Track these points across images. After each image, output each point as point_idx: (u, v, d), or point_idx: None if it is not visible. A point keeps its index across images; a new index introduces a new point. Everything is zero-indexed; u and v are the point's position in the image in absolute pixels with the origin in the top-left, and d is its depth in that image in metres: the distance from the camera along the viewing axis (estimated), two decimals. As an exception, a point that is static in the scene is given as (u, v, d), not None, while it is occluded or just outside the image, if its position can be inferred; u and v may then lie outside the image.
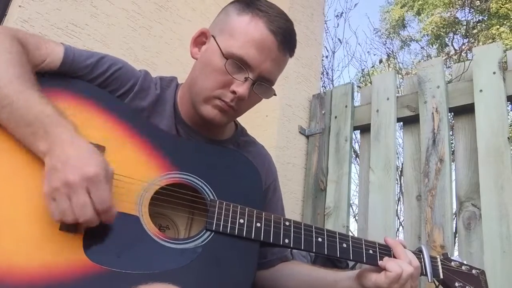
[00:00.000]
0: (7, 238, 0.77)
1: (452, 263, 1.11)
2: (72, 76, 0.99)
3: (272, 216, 0.99)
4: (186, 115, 1.12)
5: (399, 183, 3.39)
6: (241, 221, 0.94)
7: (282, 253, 1.21)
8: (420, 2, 10.09)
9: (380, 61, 5.72)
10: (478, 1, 7.80)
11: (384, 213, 1.87)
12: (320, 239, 1.00)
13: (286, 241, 0.97)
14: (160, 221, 0.99)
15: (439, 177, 1.78)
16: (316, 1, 2.64)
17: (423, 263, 1.07)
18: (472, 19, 7.94)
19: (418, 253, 1.09)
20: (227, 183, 1.01)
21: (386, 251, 1.05)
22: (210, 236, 0.91)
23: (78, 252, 0.79)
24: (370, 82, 2.95)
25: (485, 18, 8.28)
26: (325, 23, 3.16)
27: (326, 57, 4.05)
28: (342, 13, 4.51)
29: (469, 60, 1.96)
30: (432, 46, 9.51)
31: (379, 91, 2.12)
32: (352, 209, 3.34)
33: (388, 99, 2.07)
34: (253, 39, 1.00)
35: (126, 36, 1.74)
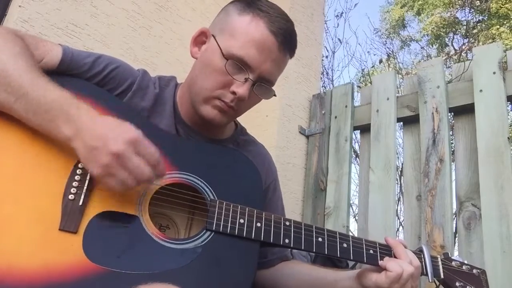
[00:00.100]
0: (7, 238, 0.77)
1: (453, 263, 1.11)
2: (70, 75, 0.99)
3: (272, 216, 0.99)
4: (186, 114, 1.12)
5: (399, 183, 3.39)
6: (241, 221, 0.94)
7: (282, 253, 1.21)
8: (420, 2, 10.09)
9: (380, 61, 5.72)
10: (478, 1, 7.80)
11: (384, 213, 1.87)
12: (320, 239, 1.00)
13: (287, 241, 0.97)
14: (160, 221, 0.99)
15: (439, 177, 1.78)
16: (316, 1, 2.64)
17: (423, 262, 1.06)
18: (472, 19, 7.95)
19: (419, 253, 1.08)
20: (227, 183, 1.00)
21: (387, 251, 1.05)
22: (210, 236, 0.91)
23: (78, 252, 0.79)
24: (370, 82, 2.95)
25: (485, 18, 8.28)
26: (325, 23, 3.16)
27: (326, 57, 4.05)
28: (342, 13, 4.52)
29: (469, 60, 1.96)
30: (432, 46, 9.52)
31: (379, 91, 2.12)
32: (352, 209, 3.34)
33: (388, 99, 2.07)
34: (254, 40, 0.99)
35: (126, 36, 1.74)
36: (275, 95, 1.10)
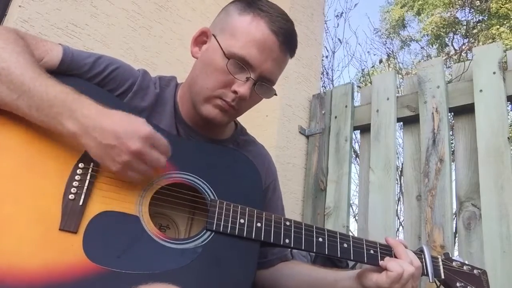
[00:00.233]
0: (8, 238, 0.77)
1: (454, 263, 1.11)
2: (70, 75, 0.99)
3: (273, 216, 0.99)
4: (186, 114, 1.12)
5: (399, 183, 3.39)
6: (242, 221, 0.94)
7: (282, 253, 1.21)
8: (420, 2, 10.10)
9: (380, 61, 5.72)
10: (478, 1, 7.80)
11: (384, 213, 1.87)
12: (321, 239, 1.00)
13: (287, 241, 0.97)
14: (160, 221, 0.99)
15: (439, 177, 1.78)
16: (316, 1, 2.64)
17: (424, 263, 1.06)
18: (472, 19, 7.95)
19: (419, 253, 1.08)
20: (227, 183, 1.00)
21: (387, 251, 1.05)
22: (210, 236, 0.91)
23: (78, 252, 0.79)
24: (370, 82, 2.95)
25: (485, 18, 8.28)
26: (325, 23, 3.16)
27: (326, 57, 4.05)
28: (342, 13, 4.52)
29: (469, 60, 1.96)
30: (432, 46, 9.52)
31: (379, 91, 2.12)
32: (352, 209, 3.34)
33: (388, 99, 2.07)
34: (255, 39, 1.00)
35: (126, 36, 1.74)
36: (275, 94, 1.10)
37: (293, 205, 2.16)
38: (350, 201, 2.09)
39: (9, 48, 0.86)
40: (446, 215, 1.70)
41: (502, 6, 8.23)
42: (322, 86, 3.74)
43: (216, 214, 0.93)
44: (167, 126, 1.08)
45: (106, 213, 0.85)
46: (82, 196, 0.84)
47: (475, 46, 3.27)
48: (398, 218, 3.79)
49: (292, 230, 0.98)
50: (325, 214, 2.08)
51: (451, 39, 8.62)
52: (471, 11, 7.81)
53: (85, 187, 0.85)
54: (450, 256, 1.13)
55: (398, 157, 2.96)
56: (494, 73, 1.77)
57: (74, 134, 0.83)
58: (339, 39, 4.20)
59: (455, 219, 1.99)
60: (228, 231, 0.92)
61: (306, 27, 2.49)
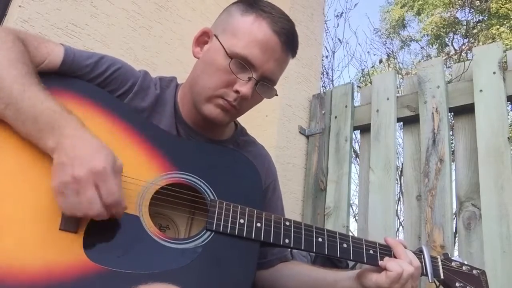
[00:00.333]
0: (8, 238, 0.77)
1: (453, 263, 1.11)
2: (72, 76, 0.99)
3: (272, 216, 0.99)
4: (187, 115, 1.12)
5: (399, 183, 3.39)
6: (241, 221, 0.94)
7: (282, 253, 1.21)
8: (420, 2, 10.09)
9: (380, 61, 5.72)
10: (478, 1, 7.80)
11: (384, 213, 1.87)
12: (320, 239, 1.00)
13: (287, 241, 0.97)
14: (160, 221, 0.99)
15: (439, 177, 1.78)
16: (316, 1, 2.64)
17: (423, 263, 1.06)
18: (472, 19, 7.95)
19: (419, 253, 1.08)
20: (227, 183, 1.01)
21: (387, 251, 1.05)
22: (210, 236, 0.91)
23: (78, 252, 0.79)
24: (370, 82, 2.95)
25: (485, 18, 8.28)
26: (325, 23, 3.16)
27: (326, 57, 4.05)
28: (342, 13, 4.52)
29: (469, 60, 1.96)
30: (432, 46, 9.52)
31: (379, 91, 2.12)
32: (352, 209, 3.34)
33: (388, 99, 2.07)
34: (257, 39, 1.00)
35: (126, 36, 1.74)
36: (276, 95, 1.11)
37: (293, 205, 2.16)
38: (350, 201, 2.09)
39: (2, 56, 0.85)
40: (446, 215, 1.70)
41: (502, 6, 8.23)
42: (322, 86, 3.74)
43: (216, 214, 0.93)
44: (167, 126, 1.08)
45: (106, 213, 0.85)
46: (82, 196, 0.84)
47: (475, 46, 3.27)
48: (398, 218, 3.79)
49: (292, 230, 0.98)
50: (325, 214, 2.08)
51: (451, 39, 8.62)
52: (471, 11, 7.81)
53: (85, 187, 0.85)
54: (450, 256, 1.13)
55: (398, 157, 2.96)
56: (494, 73, 1.77)
57: (50, 150, 0.82)
58: (339, 39, 4.20)
59: (455, 219, 1.99)
60: (228, 231, 0.92)
61: (306, 27, 2.49)
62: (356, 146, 3.07)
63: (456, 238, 1.78)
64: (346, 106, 2.23)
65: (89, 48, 1.57)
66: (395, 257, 1.03)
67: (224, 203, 0.95)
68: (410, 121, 2.05)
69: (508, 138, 1.67)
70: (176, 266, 0.85)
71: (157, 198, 0.94)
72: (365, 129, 2.18)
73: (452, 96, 1.90)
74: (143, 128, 0.99)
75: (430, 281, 1.06)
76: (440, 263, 1.09)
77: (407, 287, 0.98)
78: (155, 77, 1.15)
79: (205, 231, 0.91)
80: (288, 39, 1.04)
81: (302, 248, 0.98)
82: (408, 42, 10.02)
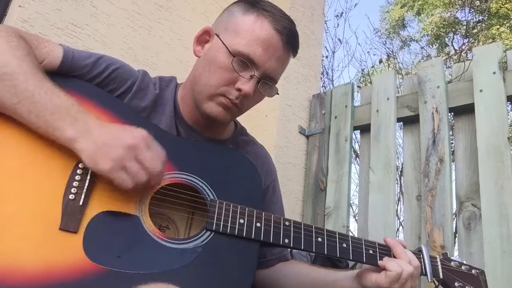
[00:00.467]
0: (8, 237, 0.77)
1: (452, 263, 1.11)
2: (71, 76, 0.99)
3: (272, 216, 0.99)
4: (188, 114, 1.12)
5: (399, 183, 3.39)
6: (241, 221, 0.94)
7: (281, 253, 1.21)
8: (420, 2, 10.10)
9: (380, 61, 5.71)
10: (478, 1, 7.80)
11: (384, 213, 1.87)
12: (320, 239, 1.00)
13: (286, 241, 0.97)
14: (160, 221, 0.99)
15: (439, 177, 1.78)
16: (316, 1, 2.64)
17: (423, 263, 1.07)
18: (472, 19, 7.94)
19: (418, 253, 1.09)
20: (227, 183, 1.01)
21: (386, 251, 1.05)
22: (210, 236, 0.91)
23: (78, 251, 0.80)
24: (370, 82, 2.95)
25: (485, 18, 8.28)
26: (325, 23, 3.15)
27: (326, 57, 4.05)
28: (342, 13, 4.51)
29: (469, 60, 1.96)
30: (432, 46, 9.52)
31: (379, 91, 2.12)
32: (352, 209, 3.34)
33: (388, 99, 2.07)
34: (259, 38, 1.01)
35: (126, 36, 1.74)
36: (278, 93, 1.11)
37: (293, 205, 2.16)
38: (350, 201, 2.09)
39: (12, 51, 0.86)
40: (446, 215, 1.70)
41: (502, 6, 8.23)
42: (322, 86, 3.73)
43: (216, 214, 0.93)
44: (167, 126, 1.08)
45: (106, 213, 0.86)
46: (82, 196, 0.84)
47: (475, 46, 3.27)
48: (398, 218, 3.79)
49: (292, 230, 0.99)
50: (325, 214, 2.08)
51: (451, 39, 8.62)
52: (471, 11, 7.80)
53: (85, 187, 0.85)
54: (449, 256, 1.13)
55: (398, 157, 2.96)
56: (494, 73, 1.77)
57: (70, 140, 0.83)
58: (339, 39, 4.20)
59: (455, 219, 1.99)
60: (228, 231, 0.92)
61: (306, 27, 2.49)
62: (356, 146, 3.07)
63: (456, 238, 1.78)
64: (346, 106, 2.23)
65: (89, 48, 1.57)
66: (394, 257, 1.03)
67: (224, 203, 0.95)
68: (410, 121, 2.05)
69: (508, 138, 1.67)
70: (176, 266, 0.85)
71: (157, 198, 0.94)
72: (365, 129, 2.18)
73: (452, 96, 1.90)
74: (143, 128, 0.99)
75: (429, 280, 1.06)
76: (439, 263, 1.09)
77: (406, 286, 0.98)
78: (154, 77, 1.15)
79: (205, 231, 0.91)
80: (289, 38, 1.05)
81: (302, 248, 0.98)
82: (408, 42, 10.02)
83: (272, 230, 0.97)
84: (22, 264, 0.75)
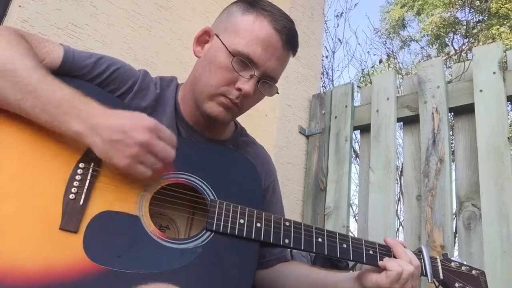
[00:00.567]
0: (8, 237, 0.77)
1: (452, 264, 1.11)
2: (71, 76, 0.99)
3: (272, 216, 0.99)
4: (188, 114, 1.12)
5: (399, 183, 3.39)
6: (241, 221, 0.94)
7: (281, 254, 1.21)
8: (420, 2, 10.10)
9: (380, 61, 5.71)
10: (478, 1, 7.80)
11: (384, 213, 1.87)
12: (320, 240, 1.00)
13: (286, 241, 0.97)
14: (160, 221, 0.99)
15: (439, 177, 1.78)
16: (316, 1, 2.64)
17: (423, 263, 1.06)
18: (472, 19, 7.94)
19: (418, 253, 1.08)
20: (227, 183, 1.01)
21: (386, 251, 1.05)
22: (210, 236, 0.91)
23: (78, 251, 0.80)
24: (370, 82, 2.95)
25: (485, 18, 8.28)
26: (325, 23, 3.16)
27: (326, 57, 4.05)
28: (342, 13, 4.51)
29: (469, 60, 1.96)
30: (432, 46, 9.51)
31: (379, 91, 2.12)
32: (352, 209, 3.34)
33: (388, 99, 2.07)
34: (259, 37, 1.01)
35: (126, 36, 1.74)
36: (278, 92, 1.11)
37: (293, 205, 2.16)
38: (350, 201, 2.09)
39: (14, 48, 0.87)
40: (446, 215, 1.70)
41: (502, 6, 8.23)
42: (322, 86, 3.73)
43: (216, 214, 0.93)
44: (167, 126, 1.06)
45: (106, 213, 0.86)
46: (83, 196, 0.85)
47: (475, 46, 3.27)
48: (398, 218, 3.79)
49: (292, 231, 0.99)
50: (325, 214, 2.08)
51: (451, 39, 8.61)
52: (471, 11, 7.80)
53: (86, 187, 0.86)
54: (449, 256, 1.13)
55: (398, 157, 2.96)
56: (494, 73, 1.77)
57: (79, 134, 0.84)
58: (339, 39, 4.20)
59: (455, 219, 1.99)
60: (228, 231, 0.92)
61: (306, 27, 2.49)
62: (356, 146, 3.07)
63: (456, 238, 1.78)
64: (346, 106, 2.23)
65: (89, 48, 1.57)
66: (395, 257, 1.03)
67: (224, 203, 0.95)
68: (410, 121, 2.05)
69: (508, 138, 1.67)
70: (176, 266, 0.85)
71: (157, 198, 0.94)
72: (365, 129, 2.17)
73: (452, 96, 1.90)
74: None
75: (430, 281, 1.06)
76: (439, 264, 1.09)
77: (407, 286, 0.98)
78: (155, 77, 1.15)
79: (205, 231, 0.91)
80: (289, 37, 1.05)
81: (302, 248, 0.98)
82: (408, 42, 10.02)
83: (272, 231, 0.97)
84: (22, 264, 0.75)
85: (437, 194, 1.75)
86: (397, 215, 3.65)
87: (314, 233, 1.00)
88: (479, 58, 1.85)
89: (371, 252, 1.04)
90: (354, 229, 2.71)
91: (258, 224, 0.96)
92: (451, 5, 8.98)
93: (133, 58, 1.73)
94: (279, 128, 2.18)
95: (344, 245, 1.02)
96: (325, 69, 4.04)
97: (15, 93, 0.83)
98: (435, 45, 9.47)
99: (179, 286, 0.80)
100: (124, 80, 1.06)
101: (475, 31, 7.83)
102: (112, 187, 0.88)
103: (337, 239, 1.02)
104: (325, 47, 3.95)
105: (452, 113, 1.94)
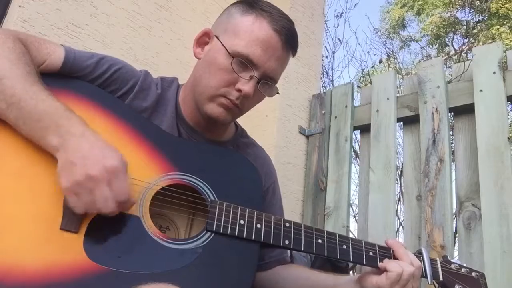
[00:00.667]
0: (9, 237, 0.77)
1: (452, 266, 1.11)
2: (72, 76, 0.99)
3: (272, 217, 0.99)
4: (189, 115, 1.12)
5: (399, 183, 3.39)
6: (242, 222, 0.94)
7: (280, 256, 1.20)
8: (420, 2, 10.09)
9: (380, 61, 5.71)
10: (478, 1, 7.80)
11: (384, 213, 1.87)
12: (320, 241, 1.00)
13: (286, 242, 0.97)
14: (160, 221, 0.99)
15: (439, 177, 1.78)
16: (316, 1, 2.64)
17: (423, 265, 1.06)
18: (472, 19, 7.94)
19: (418, 255, 1.08)
20: (228, 184, 1.01)
21: (386, 253, 1.05)
22: (211, 237, 0.91)
23: (78, 251, 0.80)
24: (370, 82, 2.95)
25: (485, 18, 8.27)
26: (325, 23, 3.15)
27: (326, 57, 4.05)
28: (342, 13, 4.51)
29: (469, 60, 1.96)
30: (432, 46, 9.51)
31: (379, 91, 2.12)
32: (352, 209, 3.34)
33: (388, 99, 2.07)
34: (258, 38, 1.01)
35: (126, 36, 1.74)
36: (278, 93, 1.11)
37: (293, 205, 2.16)
38: (350, 201, 2.09)
39: (3, 56, 0.85)
40: (446, 215, 1.70)
41: (502, 6, 8.23)
42: (322, 86, 3.73)
43: (216, 215, 0.93)
44: (168, 127, 1.08)
45: (106, 213, 0.85)
46: (83, 197, 0.84)
47: (475, 46, 3.27)
48: (398, 218, 3.79)
49: (292, 232, 0.99)
50: (325, 214, 2.08)
51: (451, 39, 8.61)
52: (471, 11, 7.80)
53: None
54: (449, 258, 1.13)
55: (398, 157, 2.96)
56: (494, 73, 1.77)
57: (54, 149, 0.82)
58: (339, 39, 4.20)
59: (455, 219, 1.99)
60: (228, 232, 0.92)
61: (306, 27, 2.49)
62: (356, 146, 3.07)
63: (456, 238, 1.78)
64: (346, 106, 2.23)
65: (89, 48, 1.57)
66: (395, 258, 1.03)
67: (224, 204, 0.95)
68: (410, 121, 2.05)
69: (508, 138, 1.67)
70: (176, 267, 0.85)
71: (157, 199, 0.94)
72: (365, 129, 2.18)
73: (452, 96, 1.90)
74: (144, 128, 0.99)
75: (430, 283, 1.06)
76: (439, 265, 1.09)
77: (408, 287, 0.98)
78: (156, 77, 1.15)
79: (205, 231, 0.91)
80: (288, 38, 1.05)
81: (302, 249, 0.98)
82: (408, 42, 10.02)
83: (272, 232, 0.97)
84: (22, 264, 0.75)
85: (437, 194, 1.76)
86: (397, 215, 3.65)
87: (314, 234, 1.00)
88: (479, 58, 1.85)
89: (371, 253, 1.04)
90: (354, 229, 2.71)
91: (258, 225, 0.96)
92: (451, 5, 8.98)
93: (133, 58, 1.73)
94: (279, 128, 2.18)
95: (344, 247, 1.02)
96: (325, 69, 4.04)
97: (1, 103, 0.82)
98: (435, 45, 9.47)
99: (179, 286, 0.80)
100: (125, 81, 1.06)
101: (475, 31, 7.82)
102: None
103: (337, 241, 1.02)
104: (325, 47, 3.95)
105: (452, 113, 1.94)
